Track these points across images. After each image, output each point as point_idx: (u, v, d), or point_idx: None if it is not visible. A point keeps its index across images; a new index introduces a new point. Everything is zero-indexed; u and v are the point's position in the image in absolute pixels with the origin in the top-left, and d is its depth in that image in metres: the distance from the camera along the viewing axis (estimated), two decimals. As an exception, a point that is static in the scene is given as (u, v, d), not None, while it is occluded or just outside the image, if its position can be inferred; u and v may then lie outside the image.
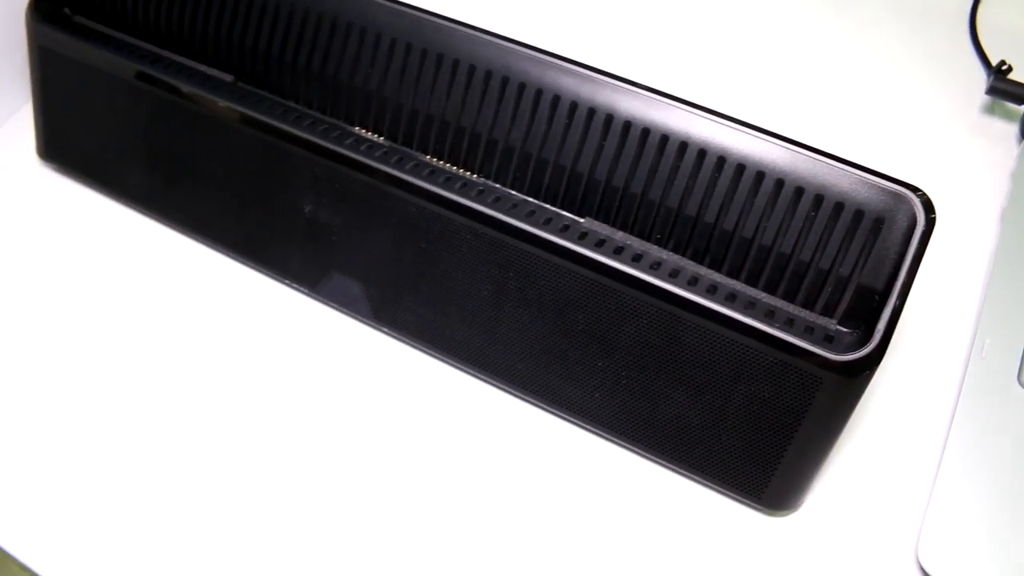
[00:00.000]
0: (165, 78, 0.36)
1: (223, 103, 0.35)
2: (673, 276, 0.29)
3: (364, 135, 0.34)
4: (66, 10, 0.39)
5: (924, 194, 0.28)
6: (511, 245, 0.31)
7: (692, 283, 0.29)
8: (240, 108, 0.34)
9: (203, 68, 0.36)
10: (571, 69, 0.31)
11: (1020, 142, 0.41)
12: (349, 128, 0.34)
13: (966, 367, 0.34)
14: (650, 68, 0.46)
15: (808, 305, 0.29)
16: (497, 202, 0.31)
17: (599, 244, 0.30)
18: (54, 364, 0.35)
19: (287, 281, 0.37)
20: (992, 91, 0.41)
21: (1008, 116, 0.43)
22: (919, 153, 0.42)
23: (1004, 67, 0.41)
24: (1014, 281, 0.36)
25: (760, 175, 0.29)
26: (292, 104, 0.35)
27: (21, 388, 0.35)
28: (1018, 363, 0.34)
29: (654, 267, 0.30)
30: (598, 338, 0.31)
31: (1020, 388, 0.33)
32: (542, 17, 0.49)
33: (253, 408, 0.34)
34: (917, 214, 0.28)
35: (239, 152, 0.35)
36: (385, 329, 0.36)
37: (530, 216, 0.31)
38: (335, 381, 0.35)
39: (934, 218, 0.28)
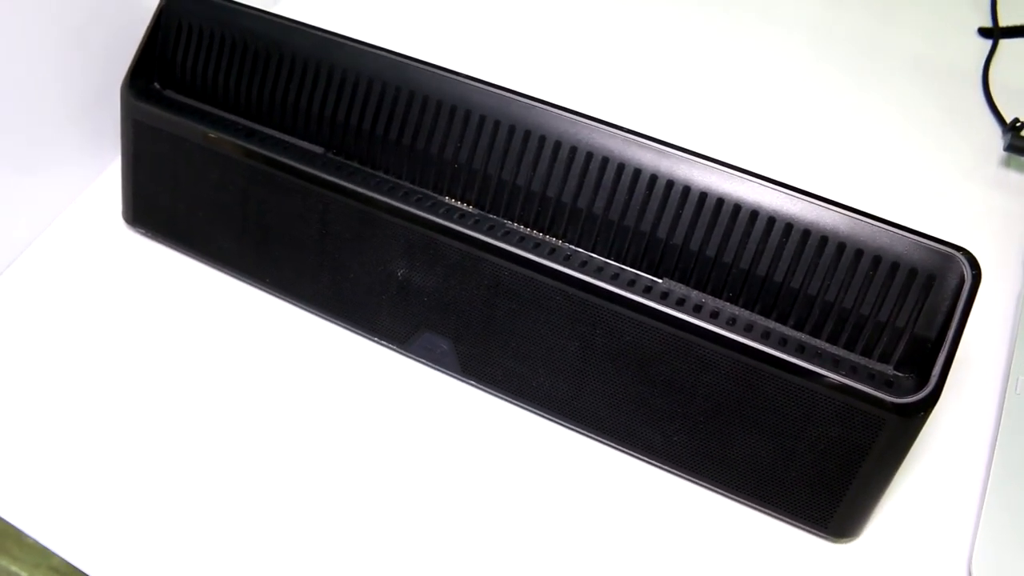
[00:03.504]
0: (262, 151, 0.39)
1: (320, 174, 0.38)
2: (748, 330, 0.33)
3: (455, 204, 0.37)
4: (156, 85, 0.43)
5: (969, 253, 0.32)
6: (598, 305, 0.34)
7: (765, 336, 0.33)
8: (338, 180, 0.37)
9: (293, 140, 0.40)
10: (650, 145, 0.34)
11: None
12: (440, 198, 0.37)
13: (1002, 401, 0.38)
14: (695, 135, 0.50)
15: (867, 353, 0.33)
16: (584, 266, 0.35)
17: (679, 303, 0.34)
18: (157, 427, 0.38)
19: (376, 338, 0.40)
20: (1010, 148, 0.45)
21: (1017, 166, 0.48)
22: (946, 208, 0.46)
23: (1019, 124, 0.46)
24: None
25: (824, 239, 0.32)
26: (383, 175, 0.38)
27: (118, 447, 0.37)
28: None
29: (730, 322, 0.33)
30: (679, 388, 0.34)
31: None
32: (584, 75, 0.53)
33: (352, 459, 0.37)
34: (964, 271, 0.31)
35: (334, 219, 0.38)
36: (472, 382, 0.39)
37: (615, 278, 0.34)
38: (424, 431, 0.38)
39: (978, 274, 0.31)
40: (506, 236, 0.36)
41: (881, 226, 0.32)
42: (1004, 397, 0.38)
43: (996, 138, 0.48)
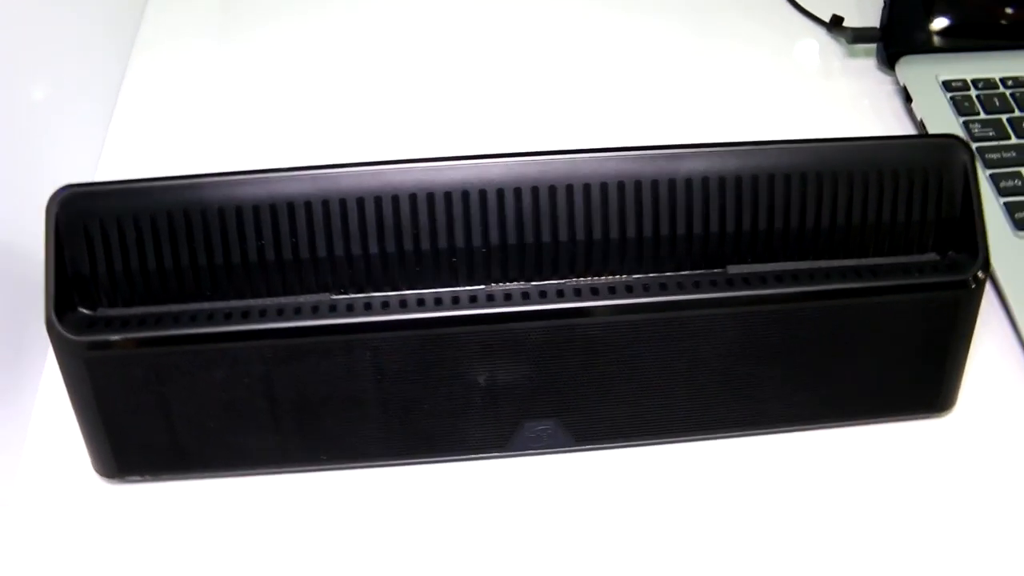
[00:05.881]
0: (276, 325, 0.34)
1: (362, 320, 0.34)
2: (823, 278, 0.36)
3: (502, 287, 0.35)
4: (84, 311, 0.35)
5: (957, 136, 0.37)
6: (686, 318, 0.35)
7: (834, 276, 0.36)
8: (384, 318, 0.34)
9: (290, 300, 0.35)
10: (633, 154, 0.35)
11: (880, 64, 0.53)
12: (489, 287, 0.35)
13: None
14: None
15: (920, 251, 0.37)
16: (664, 288, 0.35)
17: (746, 281, 0.35)
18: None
19: (470, 456, 0.37)
20: (856, 40, 0.53)
21: (858, 54, 0.55)
22: (834, 112, 0.52)
23: (838, 17, 0.53)
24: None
25: (833, 176, 0.36)
26: (409, 292, 0.35)
27: None
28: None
29: (801, 279, 0.36)
30: (784, 353, 0.36)
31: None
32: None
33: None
34: (962, 153, 0.36)
35: (388, 360, 0.35)
36: (588, 447, 0.38)
37: (696, 286, 0.35)
38: (564, 515, 0.36)
39: (971, 148, 0.36)
40: (595, 294, 0.35)
41: (883, 143, 0.36)
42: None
43: (826, 38, 0.56)
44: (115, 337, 0.34)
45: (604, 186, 0.35)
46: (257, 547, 0.36)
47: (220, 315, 0.34)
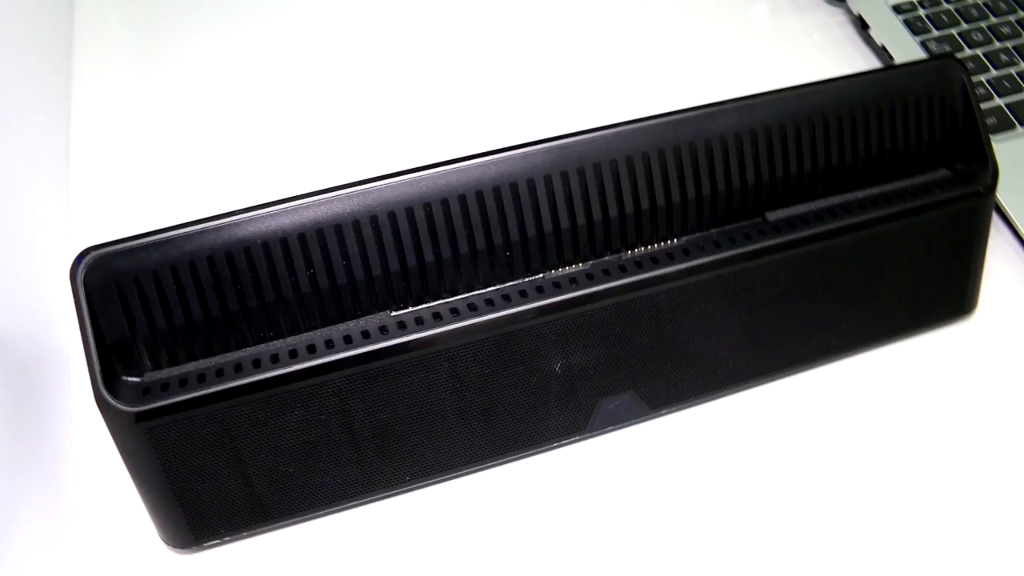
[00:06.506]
0: (350, 353, 0.32)
1: (437, 332, 0.33)
2: (856, 210, 0.37)
3: (563, 272, 0.35)
4: (129, 379, 0.32)
5: (951, 55, 0.38)
6: (741, 269, 0.36)
7: (874, 204, 0.37)
8: (456, 325, 0.33)
9: (350, 325, 0.33)
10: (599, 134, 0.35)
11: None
12: (547, 274, 0.35)
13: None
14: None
15: (933, 169, 0.39)
16: (717, 246, 0.36)
17: (792, 226, 0.36)
18: None
19: (551, 444, 0.37)
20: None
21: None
22: (785, 48, 0.53)
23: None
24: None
25: (865, 110, 0.37)
26: (469, 295, 0.34)
27: None
28: None
29: (836, 214, 0.37)
30: (833, 286, 0.38)
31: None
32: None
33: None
34: (958, 71, 0.38)
35: (464, 368, 0.34)
36: (663, 412, 0.38)
37: (747, 238, 0.36)
38: (658, 486, 0.37)
39: (965, 65, 0.38)
40: (654, 263, 0.35)
41: (878, 76, 0.38)
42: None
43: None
44: (178, 399, 0.32)
45: (645, 156, 0.35)
46: (360, 583, 0.34)
47: (285, 354, 0.32)
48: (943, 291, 0.40)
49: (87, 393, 0.39)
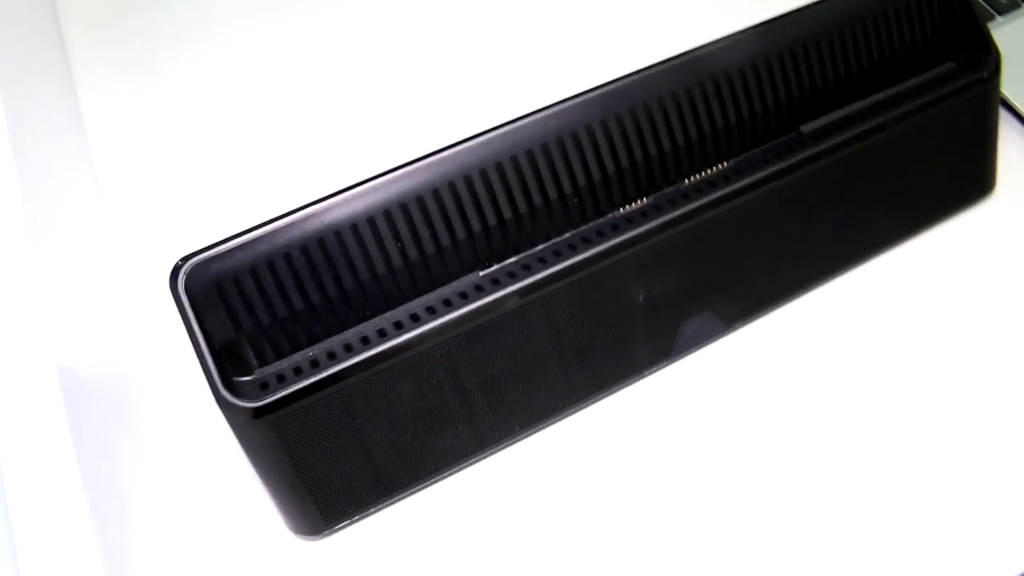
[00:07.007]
0: (456, 315, 0.34)
1: (531, 282, 0.34)
2: (886, 109, 0.40)
3: (632, 208, 0.37)
4: (243, 378, 0.33)
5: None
6: (795, 179, 0.38)
7: (896, 103, 0.40)
8: (550, 271, 0.34)
9: (446, 290, 0.35)
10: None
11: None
12: (613, 213, 0.36)
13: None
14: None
15: (939, 64, 0.42)
16: (766, 163, 0.38)
17: (831, 130, 0.39)
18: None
19: (643, 374, 0.39)
20: None
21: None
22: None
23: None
24: None
25: (873, 17, 0.39)
26: (550, 243, 0.36)
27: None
28: None
29: (875, 113, 0.39)
30: (865, 186, 0.40)
31: None
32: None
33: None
34: (949, -35, 0.41)
35: (559, 312, 0.35)
36: (736, 326, 0.40)
37: (791, 151, 0.38)
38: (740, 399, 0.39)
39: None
40: (704, 188, 0.37)
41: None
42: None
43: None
44: (297, 387, 0.33)
45: (688, 91, 0.36)
46: (494, 538, 0.36)
47: (390, 327, 0.34)
48: (965, 175, 0.43)
49: (180, 406, 0.40)
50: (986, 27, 0.41)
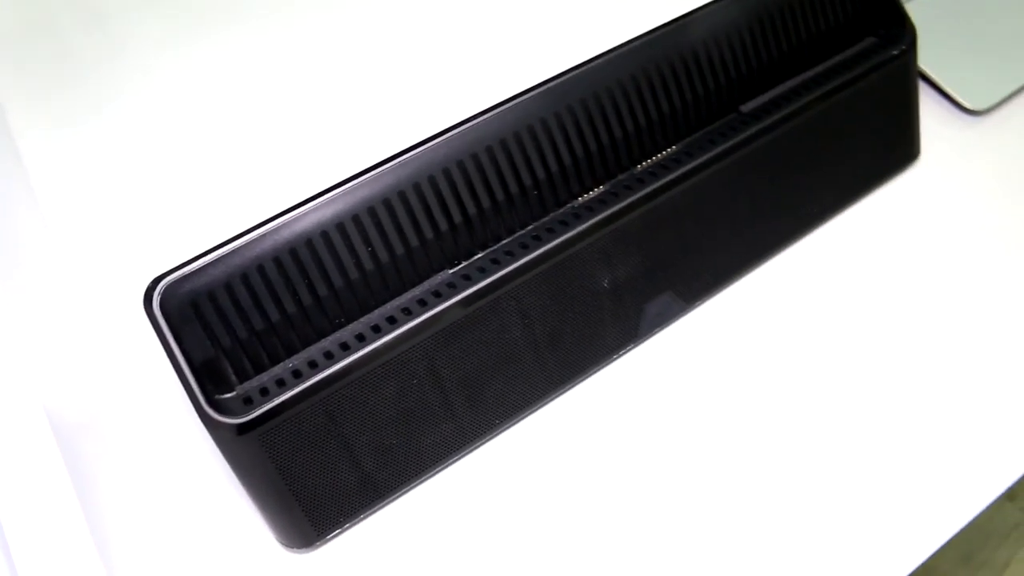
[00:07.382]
0: (431, 313, 0.34)
1: (501, 275, 0.35)
2: (818, 84, 0.42)
3: (590, 196, 0.38)
4: (224, 396, 0.33)
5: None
6: (741, 156, 0.40)
7: (827, 78, 0.42)
8: (518, 264, 0.35)
9: (418, 290, 0.35)
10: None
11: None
12: (573, 202, 0.38)
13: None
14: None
15: (860, 40, 0.44)
16: (713, 143, 0.39)
17: (770, 107, 0.41)
18: None
19: (612, 358, 0.40)
20: None
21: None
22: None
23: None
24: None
25: (792, 8, 0.42)
26: (516, 236, 0.37)
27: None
28: None
29: (808, 89, 0.42)
30: (804, 158, 0.43)
31: None
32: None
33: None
34: (861, -53, 0.44)
35: (530, 304, 0.36)
36: (696, 304, 0.42)
37: (734, 130, 0.40)
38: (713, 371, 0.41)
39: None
40: (658, 171, 0.38)
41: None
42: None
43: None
44: (282, 399, 0.33)
45: (633, 79, 0.38)
46: (484, 531, 0.36)
47: (368, 331, 0.34)
48: (892, 142, 0.46)
49: (163, 428, 0.39)
50: (901, 5, 0.44)
